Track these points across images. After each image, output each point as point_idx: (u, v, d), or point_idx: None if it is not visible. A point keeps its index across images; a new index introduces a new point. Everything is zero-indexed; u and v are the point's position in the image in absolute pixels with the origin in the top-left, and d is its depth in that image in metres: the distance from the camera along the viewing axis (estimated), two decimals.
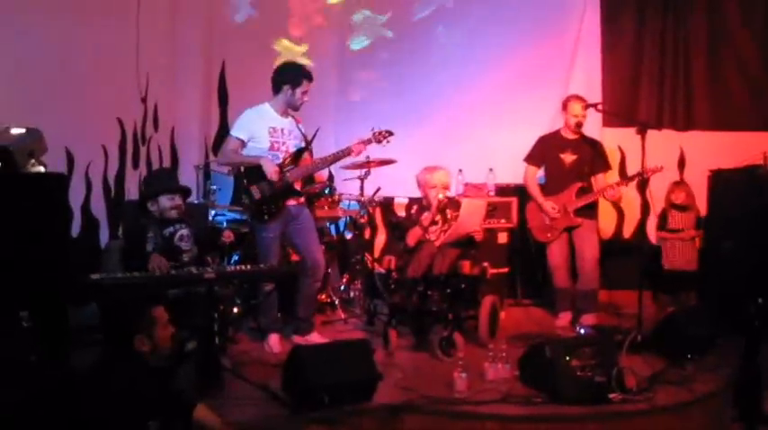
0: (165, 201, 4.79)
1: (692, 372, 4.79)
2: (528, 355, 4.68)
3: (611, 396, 4.27)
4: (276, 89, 5.42)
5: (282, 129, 5.43)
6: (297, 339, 5.45)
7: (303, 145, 5.49)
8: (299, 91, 5.37)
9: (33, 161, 4.10)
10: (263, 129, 5.36)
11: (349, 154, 5.48)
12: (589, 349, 4.43)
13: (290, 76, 5.40)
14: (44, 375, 3.46)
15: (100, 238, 6.30)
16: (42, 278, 3.82)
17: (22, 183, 4.02)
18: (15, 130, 4.16)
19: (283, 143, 5.42)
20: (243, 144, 5.35)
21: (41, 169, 4.16)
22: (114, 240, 5.90)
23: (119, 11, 6.45)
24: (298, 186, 5.43)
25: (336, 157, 5.49)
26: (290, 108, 5.45)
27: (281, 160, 5.34)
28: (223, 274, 4.37)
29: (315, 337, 5.52)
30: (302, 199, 5.56)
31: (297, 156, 5.43)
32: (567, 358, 4.34)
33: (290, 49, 7.77)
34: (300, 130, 5.52)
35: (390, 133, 5.55)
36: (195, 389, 4.14)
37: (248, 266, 4.56)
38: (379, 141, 5.53)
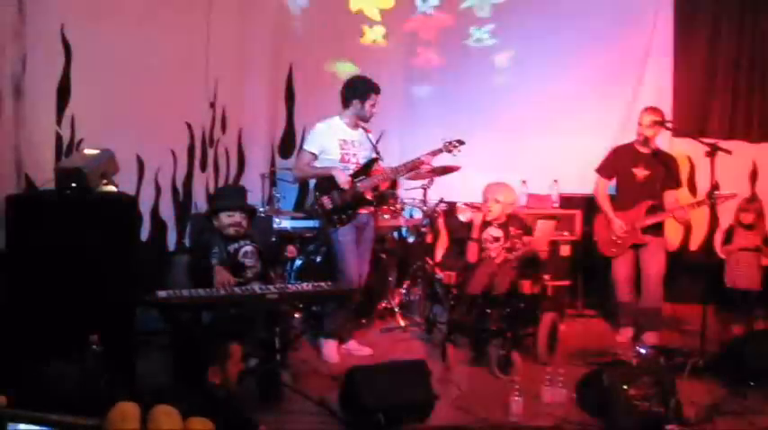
0: (224, 219, 4.90)
1: (753, 403, 4.72)
2: (586, 380, 4.67)
3: (668, 427, 4.22)
4: (345, 103, 5.53)
5: (353, 141, 5.53)
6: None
7: (374, 155, 5.57)
8: (367, 104, 5.47)
9: (105, 181, 4.24)
10: (333, 142, 5.46)
11: (420, 164, 5.57)
12: (648, 378, 4.39)
13: (357, 91, 5.49)
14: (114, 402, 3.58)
15: (168, 242, 6.47)
16: (112, 299, 3.97)
17: (95, 203, 4.16)
18: (88, 151, 4.31)
19: (354, 154, 5.52)
20: (315, 157, 5.48)
21: (113, 189, 4.30)
22: (181, 254, 6.05)
23: (189, 16, 6.54)
24: (369, 196, 5.52)
25: (407, 168, 5.58)
26: (361, 120, 5.55)
27: (351, 171, 5.44)
28: (286, 295, 4.45)
29: (351, 345, 5.71)
30: (373, 208, 5.64)
31: (367, 166, 5.52)
32: (625, 387, 4.32)
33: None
34: (371, 142, 5.60)
35: (461, 142, 5.60)
36: (256, 403, 4.29)
37: (311, 285, 4.62)
38: (450, 151, 5.60)
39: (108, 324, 3.85)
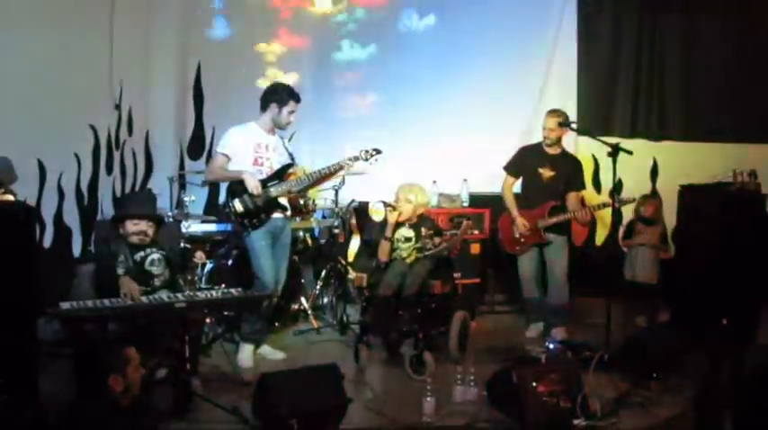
0: (129, 226, 4.80)
1: (656, 394, 4.88)
2: (496, 379, 4.74)
3: (576, 422, 4.34)
4: (263, 107, 5.46)
5: (267, 146, 5.47)
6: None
7: (289, 162, 5.53)
8: (285, 110, 5.42)
9: (2, 190, 4.09)
10: (247, 145, 5.40)
11: (339, 170, 5.55)
12: (555, 375, 4.50)
13: (277, 95, 5.44)
14: (16, 419, 3.46)
15: (73, 248, 6.28)
16: (11, 313, 3.82)
17: None
18: None
19: (267, 158, 5.46)
20: (228, 159, 5.40)
21: (11, 198, 4.15)
22: (87, 261, 5.87)
23: (91, 17, 6.37)
24: (282, 201, 5.47)
25: (325, 175, 5.56)
26: (276, 127, 5.49)
27: (264, 175, 5.38)
28: (194, 304, 4.38)
29: (265, 350, 5.64)
30: (288, 212, 5.59)
31: (281, 171, 5.47)
32: (534, 384, 4.41)
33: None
34: (287, 148, 5.56)
35: (378, 151, 5.59)
36: (166, 413, 4.20)
37: (220, 292, 4.57)
38: (366, 159, 5.59)
39: (7, 339, 3.71)
